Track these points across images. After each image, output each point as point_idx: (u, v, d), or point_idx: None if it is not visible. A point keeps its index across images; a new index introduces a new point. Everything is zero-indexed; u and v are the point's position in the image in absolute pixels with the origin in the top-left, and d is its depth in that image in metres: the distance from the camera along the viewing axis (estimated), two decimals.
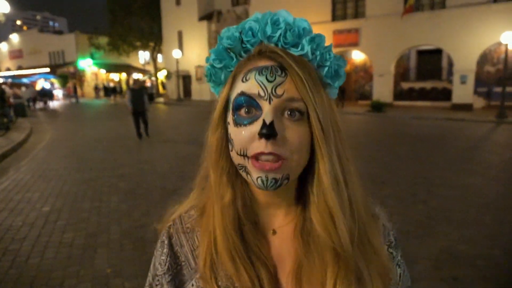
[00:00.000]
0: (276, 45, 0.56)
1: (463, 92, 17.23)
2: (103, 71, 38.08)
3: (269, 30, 0.56)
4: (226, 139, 0.57)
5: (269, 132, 0.49)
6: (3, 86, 15.51)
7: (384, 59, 19.02)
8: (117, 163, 7.21)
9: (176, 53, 25.79)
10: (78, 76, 37.26)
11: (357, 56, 21.87)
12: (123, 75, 38.82)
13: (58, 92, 34.75)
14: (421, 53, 20.74)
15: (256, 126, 0.52)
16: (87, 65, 37.02)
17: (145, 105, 9.63)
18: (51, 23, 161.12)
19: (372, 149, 8.45)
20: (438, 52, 19.51)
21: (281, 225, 0.61)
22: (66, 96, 34.07)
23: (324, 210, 0.54)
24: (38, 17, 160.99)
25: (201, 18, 26.88)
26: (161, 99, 29.67)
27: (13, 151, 8.55)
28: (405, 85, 21.00)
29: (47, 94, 25.76)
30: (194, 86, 28.65)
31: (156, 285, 0.63)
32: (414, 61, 21.32)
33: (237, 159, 0.55)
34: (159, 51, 33.05)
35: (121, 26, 31.45)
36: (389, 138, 10.31)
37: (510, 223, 4.03)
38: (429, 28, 17.37)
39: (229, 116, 0.56)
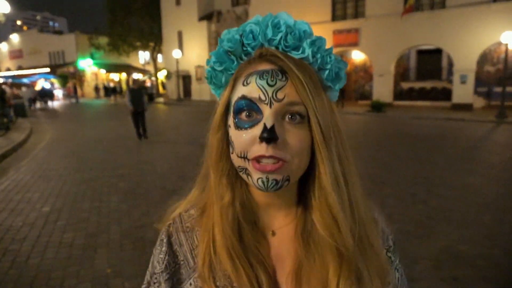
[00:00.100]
0: (277, 48, 0.56)
1: (463, 92, 17.23)
2: (103, 71, 38.08)
3: (269, 33, 0.56)
4: (226, 141, 0.58)
5: (270, 136, 0.50)
6: (3, 86, 15.50)
7: (384, 59, 19.03)
8: (117, 163, 7.21)
9: (176, 53, 25.79)
10: (78, 76, 37.26)
11: (357, 56, 21.88)
12: (123, 75, 38.82)
13: (58, 92, 34.77)
14: (421, 53, 20.73)
15: (257, 130, 0.52)
16: (87, 65, 37.02)
17: (144, 105, 9.67)
18: (51, 23, 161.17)
19: (372, 149, 8.45)
20: (438, 52, 19.51)
21: (280, 226, 0.61)
22: (66, 96, 34.09)
23: (326, 211, 0.54)
24: (38, 17, 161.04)
25: (201, 18, 26.88)
26: (161, 99, 29.68)
27: (13, 151, 8.55)
28: (405, 85, 21.00)
29: (47, 94, 25.78)
30: (194, 86, 28.65)
31: (154, 283, 0.63)
32: (414, 61, 21.32)
33: (237, 161, 0.55)
34: (159, 51, 33.05)
35: (121, 26, 31.47)
36: (389, 138, 10.31)
37: (510, 223, 4.04)
38: (429, 28, 17.37)
39: (230, 119, 0.57)
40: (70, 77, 36.64)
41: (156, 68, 33.40)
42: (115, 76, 39.39)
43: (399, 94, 20.59)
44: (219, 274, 0.58)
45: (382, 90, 19.30)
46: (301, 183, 0.59)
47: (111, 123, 15.14)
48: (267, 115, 0.52)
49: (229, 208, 0.58)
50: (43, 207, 4.69)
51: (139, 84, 10.82)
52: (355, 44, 20.03)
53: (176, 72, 26.74)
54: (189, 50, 27.82)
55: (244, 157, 0.53)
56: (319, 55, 0.56)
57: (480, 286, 2.84)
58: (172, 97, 29.15)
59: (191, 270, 0.62)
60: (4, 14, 11.19)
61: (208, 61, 0.61)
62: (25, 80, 32.99)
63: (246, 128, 0.53)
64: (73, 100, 30.49)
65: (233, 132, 0.55)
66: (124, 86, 36.36)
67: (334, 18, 20.73)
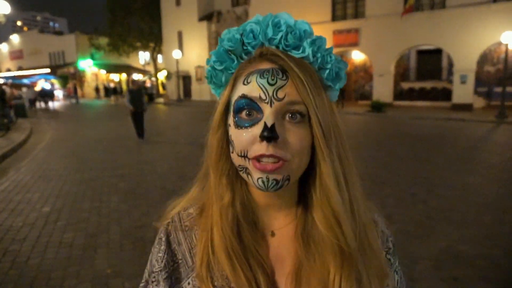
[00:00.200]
0: (277, 47, 0.56)
1: (463, 92, 17.22)
2: (103, 71, 38.09)
3: (270, 32, 0.56)
4: (226, 141, 0.57)
5: (270, 135, 0.50)
6: (4, 87, 15.51)
7: (384, 59, 19.03)
8: (117, 164, 7.21)
9: (176, 54, 25.79)
10: (78, 76, 37.27)
11: (357, 56, 21.88)
12: (123, 76, 38.83)
13: (59, 93, 34.77)
14: (421, 53, 20.73)
15: (257, 129, 0.52)
16: (87, 66, 37.03)
17: (144, 105, 9.66)
18: (51, 23, 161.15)
19: (372, 149, 8.45)
20: (438, 52, 19.51)
21: (280, 226, 0.61)
22: (66, 96, 34.11)
23: (328, 211, 0.54)
24: (39, 18, 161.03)
25: (201, 19, 26.89)
26: (161, 100, 29.68)
27: (13, 152, 8.55)
28: (405, 85, 21.00)
29: (48, 95, 25.80)
30: (194, 86, 28.66)
31: (152, 281, 0.63)
32: (414, 61, 21.31)
33: (237, 161, 0.55)
34: (159, 52, 33.06)
35: (121, 26, 31.48)
36: (389, 138, 10.30)
37: (510, 223, 4.04)
38: (429, 28, 17.38)
39: (230, 118, 0.56)
40: (70, 78, 36.67)
41: (156, 69, 33.41)
42: (115, 77, 39.40)
43: (399, 94, 20.59)
44: (217, 274, 0.58)
45: (382, 90, 19.30)
46: (301, 183, 0.59)
47: (111, 123, 15.14)
48: (268, 114, 0.52)
49: (229, 208, 0.58)
50: (43, 207, 4.69)
51: (139, 85, 10.78)
52: (355, 44, 20.03)
53: (176, 72, 26.74)
54: (189, 50, 27.83)
55: (244, 156, 0.53)
56: (319, 55, 0.56)
57: (480, 286, 2.84)
58: (172, 98, 29.15)
59: (189, 270, 0.62)
60: (5, 15, 11.20)
61: (208, 61, 0.61)
62: (25, 81, 33.01)
63: (246, 127, 0.53)
64: (73, 101, 30.50)
65: (233, 131, 0.55)
66: (124, 87, 36.36)
67: (334, 18, 20.73)
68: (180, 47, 28.19)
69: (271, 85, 0.52)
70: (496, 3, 15.85)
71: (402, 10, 17.77)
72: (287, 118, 0.53)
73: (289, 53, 0.56)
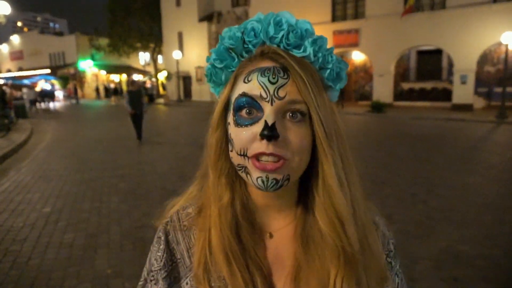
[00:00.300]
0: (278, 46, 0.56)
1: (463, 92, 17.22)
2: (103, 72, 38.09)
3: (271, 31, 0.55)
4: (225, 140, 0.57)
5: (271, 134, 0.49)
6: (4, 88, 15.52)
7: (384, 59, 19.02)
8: (117, 164, 7.21)
9: (176, 54, 25.79)
10: (79, 77, 37.27)
11: (357, 56, 21.87)
12: (124, 76, 38.83)
13: (59, 93, 34.78)
14: (421, 53, 20.72)
15: (258, 127, 0.51)
16: (87, 66, 37.04)
17: (143, 106, 9.48)
18: (51, 24, 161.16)
19: (372, 149, 8.45)
20: (438, 52, 19.50)
21: (278, 227, 0.61)
22: (67, 97, 34.12)
23: (331, 212, 0.53)
24: (39, 19, 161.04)
25: (201, 19, 26.88)
26: (161, 100, 29.67)
27: (13, 152, 8.56)
28: (405, 86, 20.99)
29: (48, 95, 25.80)
30: (194, 87, 28.65)
31: (151, 280, 0.63)
32: (414, 61, 21.30)
33: (237, 160, 0.54)
34: (159, 52, 33.05)
35: (121, 27, 31.47)
36: (389, 139, 10.30)
37: (510, 223, 4.03)
38: (429, 28, 17.37)
39: (229, 117, 0.56)
40: (71, 78, 36.67)
41: (157, 69, 33.41)
42: (115, 77, 39.41)
43: (399, 95, 20.58)
44: (214, 275, 0.57)
45: (382, 90, 19.29)
46: (301, 183, 0.59)
47: (111, 123, 15.14)
48: (268, 113, 0.51)
49: (228, 209, 0.57)
50: (44, 207, 4.70)
51: (138, 86, 10.65)
52: (355, 45, 20.03)
53: (176, 73, 26.75)
54: (189, 51, 27.83)
55: (244, 155, 0.52)
56: (320, 54, 0.56)
57: (480, 286, 2.84)
58: (173, 98, 29.15)
59: (188, 270, 0.61)
60: (5, 16, 11.21)
61: (208, 58, 0.60)
62: (25, 82, 33.01)
63: (246, 125, 0.52)
64: (74, 101, 30.51)
65: (232, 129, 0.54)
66: (124, 87, 36.37)
67: (334, 18, 20.73)
68: (180, 47, 28.20)
69: (272, 83, 0.52)
70: (496, 4, 15.85)
71: (402, 11, 17.76)
72: (287, 117, 0.52)
73: (290, 52, 0.55)
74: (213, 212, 0.58)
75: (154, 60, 33.49)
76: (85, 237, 3.77)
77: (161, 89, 34.74)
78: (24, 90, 24.67)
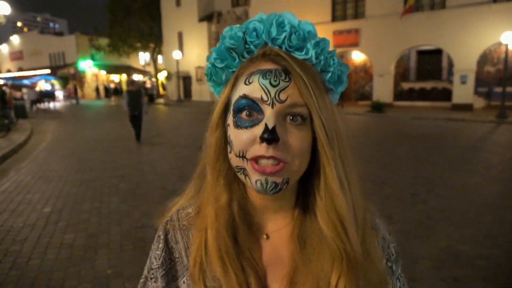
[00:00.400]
0: (280, 47, 0.55)
1: (463, 92, 17.22)
2: (103, 72, 38.10)
3: (274, 31, 0.55)
4: (224, 141, 0.56)
5: (271, 137, 0.49)
6: (4, 88, 15.52)
7: (384, 59, 19.02)
8: (117, 164, 7.21)
9: (176, 54, 25.80)
10: (79, 77, 37.27)
11: (357, 56, 21.86)
12: (124, 76, 38.84)
13: (59, 94, 34.79)
14: (421, 53, 20.73)
15: (258, 130, 0.51)
16: (87, 66, 37.05)
17: (143, 107, 9.31)
18: (51, 24, 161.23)
19: (372, 149, 8.45)
20: (438, 52, 19.50)
21: (276, 229, 0.60)
22: (67, 97, 34.11)
23: (333, 214, 0.53)
24: (39, 19, 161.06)
25: (201, 19, 26.89)
26: (161, 100, 29.68)
27: (13, 153, 8.55)
28: (405, 85, 20.99)
29: (49, 95, 25.81)
30: (194, 87, 28.67)
31: (151, 278, 0.64)
32: (414, 61, 21.31)
33: (235, 161, 0.54)
34: (159, 52, 33.07)
35: (121, 27, 31.48)
36: (389, 139, 10.30)
37: (510, 223, 4.03)
38: (429, 28, 17.37)
39: (229, 118, 0.55)
40: (71, 78, 36.66)
41: (156, 69, 33.42)
42: (115, 77, 39.42)
43: (399, 95, 20.59)
44: (209, 275, 0.57)
45: (382, 90, 19.29)
46: (301, 185, 0.59)
47: (111, 124, 15.14)
48: (269, 116, 0.51)
49: (225, 210, 0.57)
50: (44, 208, 4.70)
51: (138, 86, 10.47)
52: (355, 45, 20.02)
53: (176, 73, 26.75)
54: (189, 51, 27.83)
55: (243, 157, 0.52)
56: (322, 57, 0.55)
57: (480, 286, 2.84)
58: (173, 98, 29.15)
59: (185, 268, 0.62)
60: (5, 16, 11.21)
61: (208, 57, 0.59)
62: (25, 82, 33.00)
63: (246, 127, 0.52)
64: (74, 101, 30.51)
65: (232, 131, 0.54)
66: (124, 87, 36.37)
67: (334, 18, 20.72)
68: (180, 47, 28.21)
69: (274, 86, 0.51)
70: (496, 3, 15.85)
71: (402, 10, 17.77)
72: (288, 120, 0.52)
73: (292, 54, 0.55)
74: (209, 213, 0.58)
75: (154, 60, 33.51)
76: (85, 238, 3.77)
77: (161, 89, 34.75)
78: (24, 90, 24.68)
